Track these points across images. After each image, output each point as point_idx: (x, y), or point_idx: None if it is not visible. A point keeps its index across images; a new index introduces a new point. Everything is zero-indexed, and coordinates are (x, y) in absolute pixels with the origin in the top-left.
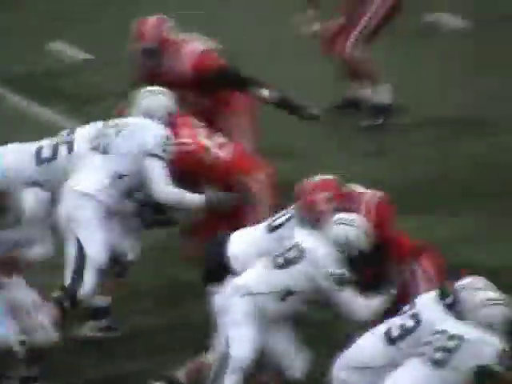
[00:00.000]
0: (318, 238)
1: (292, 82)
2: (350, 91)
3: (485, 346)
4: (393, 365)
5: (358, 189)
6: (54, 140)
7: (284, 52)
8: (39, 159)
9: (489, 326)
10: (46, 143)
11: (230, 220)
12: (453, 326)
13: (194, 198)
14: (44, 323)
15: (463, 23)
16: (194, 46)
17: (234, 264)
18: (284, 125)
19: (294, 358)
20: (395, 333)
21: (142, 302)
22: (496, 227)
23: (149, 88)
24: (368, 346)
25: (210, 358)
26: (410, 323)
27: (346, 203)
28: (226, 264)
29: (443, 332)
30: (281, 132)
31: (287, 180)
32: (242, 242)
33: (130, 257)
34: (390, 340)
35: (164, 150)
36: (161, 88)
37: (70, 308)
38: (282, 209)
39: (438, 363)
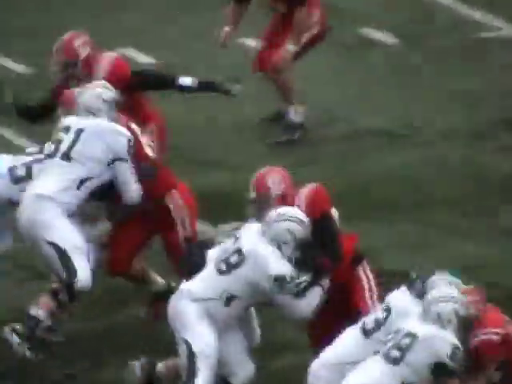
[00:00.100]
0: (260, 238)
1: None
2: (281, 105)
3: (438, 344)
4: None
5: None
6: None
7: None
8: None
9: (443, 322)
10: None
11: (149, 233)
12: (410, 323)
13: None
14: None
15: (394, 39)
16: (109, 57)
17: None
18: (215, 136)
19: (239, 366)
20: (370, 326)
21: (85, 307)
22: (419, 236)
23: (84, 86)
24: (346, 342)
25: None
26: (382, 315)
27: (289, 189)
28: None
29: (400, 330)
30: (213, 143)
31: (222, 191)
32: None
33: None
34: (366, 333)
35: (130, 152)
36: (96, 82)
37: (69, 301)
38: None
39: (393, 360)
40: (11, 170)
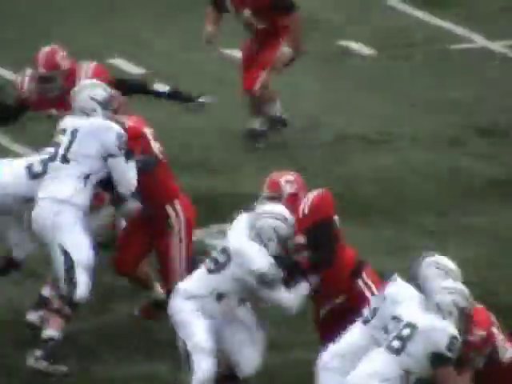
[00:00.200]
0: (245, 235)
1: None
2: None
3: (437, 334)
4: (374, 343)
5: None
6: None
7: (207, 77)
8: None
9: (443, 313)
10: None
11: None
12: (408, 312)
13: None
14: None
15: (371, 50)
16: (88, 65)
17: None
18: (197, 138)
19: (245, 358)
20: (368, 315)
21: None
22: (397, 237)
23: (79, 85)
24: (351, 333)
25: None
26: (377, 303)
27: (301, 190)
28: None
29: (399, 319)
30: (195, 146)
31: (204, 194)
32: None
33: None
34: (365, 321)
35: (121, 147)
36: (87, 81)
37: (71, 312)
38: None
39: (395, 351)
40: (29, 167)
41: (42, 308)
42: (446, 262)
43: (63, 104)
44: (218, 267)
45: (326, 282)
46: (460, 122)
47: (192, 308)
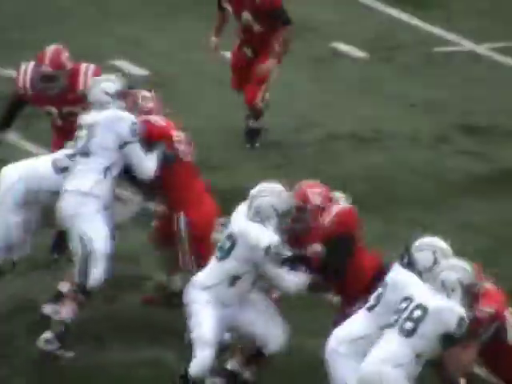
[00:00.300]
0: (246, 217)
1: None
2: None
3: (447, 315)
4: (379, 331)
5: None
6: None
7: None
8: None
9: (447, 290)
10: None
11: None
12: (418, 293)
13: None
14: None
15: (362, 52)
16: (88, 67)
17: None
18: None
19: (269, 336)
20: (372, 302)
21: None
22: (387, 232)
23: (93, 80)
24: (355, 319)
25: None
26: (380, 290)
27: (327, 204)
28: None
29: (410, 300)
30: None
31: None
32: None
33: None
34: (369, 309)
35: (134, 134)
36: (98, 77)
37: (85, 299)
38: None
39: (407, 332)
40: (54, 162)
41: (58, 302)
42: (438, 241)
43: (61, 102)
44: (226, 253)
45: (349, 285)
46: (449, 121)
47: (207, 299)
